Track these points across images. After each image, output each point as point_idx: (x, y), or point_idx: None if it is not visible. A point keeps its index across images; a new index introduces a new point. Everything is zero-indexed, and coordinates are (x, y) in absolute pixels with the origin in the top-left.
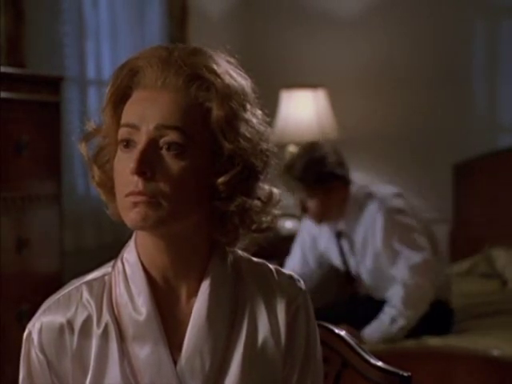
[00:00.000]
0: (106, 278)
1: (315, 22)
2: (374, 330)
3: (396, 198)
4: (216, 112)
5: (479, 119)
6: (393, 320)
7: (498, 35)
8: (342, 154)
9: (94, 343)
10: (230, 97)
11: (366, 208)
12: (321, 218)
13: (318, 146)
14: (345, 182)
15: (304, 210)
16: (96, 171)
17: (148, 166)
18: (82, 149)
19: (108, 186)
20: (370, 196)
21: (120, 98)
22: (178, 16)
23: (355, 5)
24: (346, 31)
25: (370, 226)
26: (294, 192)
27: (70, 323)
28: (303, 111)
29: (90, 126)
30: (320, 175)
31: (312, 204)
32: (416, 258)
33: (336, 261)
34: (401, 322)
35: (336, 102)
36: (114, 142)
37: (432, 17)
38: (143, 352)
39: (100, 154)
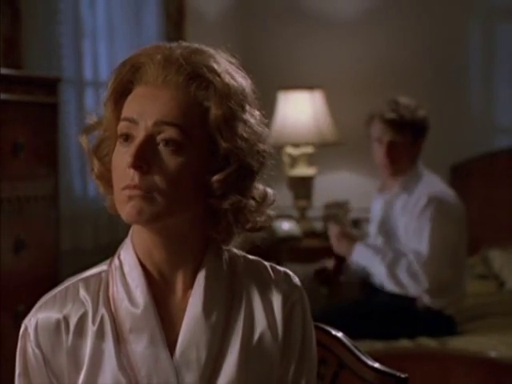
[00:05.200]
0: (103, 274)
1: (312, 23)
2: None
3: (447, 199)
4: (214, 111)
5: (476, 120)
6: (388, 262)
7: (494, 37)
8: None
9: (90, 340)
10: (228, 96)
11: (421, 181)
12: (394, 164)
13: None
14: (420, 150)
15: (389, 154)
16: (96, 163)
17: (144, 160)
18: (83, 141)
19: (106, 178)
20: (425, 177)
21: (121, 93)
22: (175, 17)
23: (352, 6)
24: (343, 32)
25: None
26: (390, 131)
27: (66, 319)
28: (300, 112)
29: (92, 119)
30: (420, 123)
31: (397, 141)
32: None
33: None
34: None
35: (333, 103)
36: (113, 136)
37: (429, 18)
38: (140, 345)
39: (100, 146)
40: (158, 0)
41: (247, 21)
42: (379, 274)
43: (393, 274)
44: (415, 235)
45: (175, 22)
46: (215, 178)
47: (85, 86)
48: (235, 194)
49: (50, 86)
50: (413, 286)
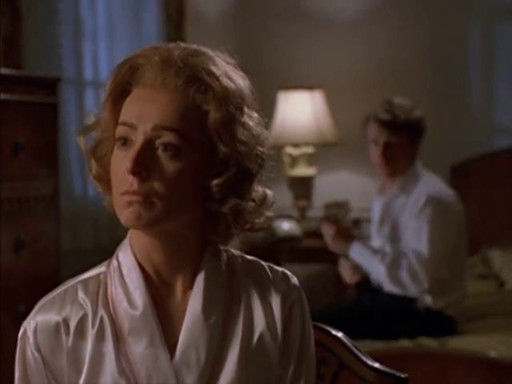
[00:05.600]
0: (101, 276)
1: (312, 23)
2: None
3: (448, 200)
4: (213, 115)
5: (476, 120)
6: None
7: (494, 37)
8: None
9: (90, 342)
10: (227, 100)
11: (420, 181)
12: (391, 165)
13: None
14: (417, 150)
15: (385, 155)
16: (94, 164)
17: (143, 166)
18: (81, 142)
19: (105, 179)
20: (424, 177)
21: (119, 94)
22: (175, 17)
23: (352, 6)
24: (343, 32)
25: (413, 202)
26: (386, 131)
27: (65, 322)
28: (300, 112)
29: (90, 119)
30: (417, 123)
31: (392, 142)
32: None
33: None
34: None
35: (333, 103)
36: (112, 137)
37: (429, 18)
38: (139, 346)
39: (98, 147)
40: (157, 0)
41: (247, 21)
42: (378, 273)
43: (392, 274)
44: (414, 235)
45: (175, 22)
46: (214, 182)
47: (85, 86)
48: (234, 198)
49: (50, 86)
50: (412, 285)
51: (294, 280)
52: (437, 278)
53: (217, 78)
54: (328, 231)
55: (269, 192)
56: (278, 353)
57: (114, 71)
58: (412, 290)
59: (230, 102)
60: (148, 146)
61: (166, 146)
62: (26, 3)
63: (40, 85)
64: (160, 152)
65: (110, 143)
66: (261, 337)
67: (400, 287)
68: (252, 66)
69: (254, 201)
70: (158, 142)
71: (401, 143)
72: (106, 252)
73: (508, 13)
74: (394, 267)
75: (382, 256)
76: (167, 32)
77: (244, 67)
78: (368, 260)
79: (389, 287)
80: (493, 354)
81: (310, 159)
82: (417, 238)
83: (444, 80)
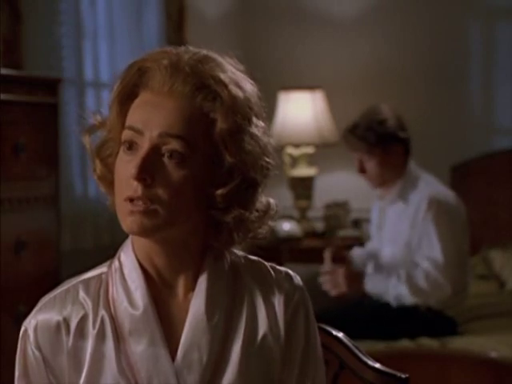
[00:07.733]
0: (103, 276)
1: (313, 23)
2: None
3: (448, 200)
4: (220, 124)
5: (476, 121)
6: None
7: (494, 37)
8: (404, 120)
9: (90, 342)
10: (235, 110)
11: (418, 185)
12: (378, 180)
13: (380, 109)
14: (405, 146)
15: (362, 170)
16: (98, 164)
17: (148, 172)
18: (86, 141)
19: (109, 179)
20: (422, 180)
21: (127, 97)
22: (176, 18)
23: (353, 6)
24: (344, 32)
25: (416, 208)
26: (354, 151)
27: (66, 321)
28: (301, 113)
29: (95, 119)
30: (381, 135)
31: (370, 164)
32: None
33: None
34: (401, 287)
35: (334, 104)
36: (117, 139)
37: (429, 18)
38: (140, 347)
39: (103, 147)
40: (158, 0)
41: (247, 21)
42: (401, 294)
43: (414, 289)
44: (424, 242)
45: (176, 22)
46: (219, 192)
47: (85, 86)
48: (238, 208)
49: (51, 86)
50: (436, 293)
51: (298, 280)
52: (456, 281)
53: (225, 87)
54: (339, 279)
55: (272, 201)
56: (281, 353)
57: (122, 73)
58: (436, 299)
59: (238, 111)
60: (153, 152)
61: (171, 154)
62: (26, 3)
63: (40, 85)
64: (165, 159)
65: (115, 144)
66: (263, 337)
67: (424, 299)
68: (252, 66)
69: (257, 210)
70: (163, 149)
71: (377, 160)
72: (106, 252)
73: (508, 13)
74: (412, 282)
75: (397, 277)
76: (168, 32)
77: (245, 68)
78: (386, 287)
79: (415, 302)
80: (493, 354)
81: (311, 159)
82: (427, 245)
83: (444, 80)
